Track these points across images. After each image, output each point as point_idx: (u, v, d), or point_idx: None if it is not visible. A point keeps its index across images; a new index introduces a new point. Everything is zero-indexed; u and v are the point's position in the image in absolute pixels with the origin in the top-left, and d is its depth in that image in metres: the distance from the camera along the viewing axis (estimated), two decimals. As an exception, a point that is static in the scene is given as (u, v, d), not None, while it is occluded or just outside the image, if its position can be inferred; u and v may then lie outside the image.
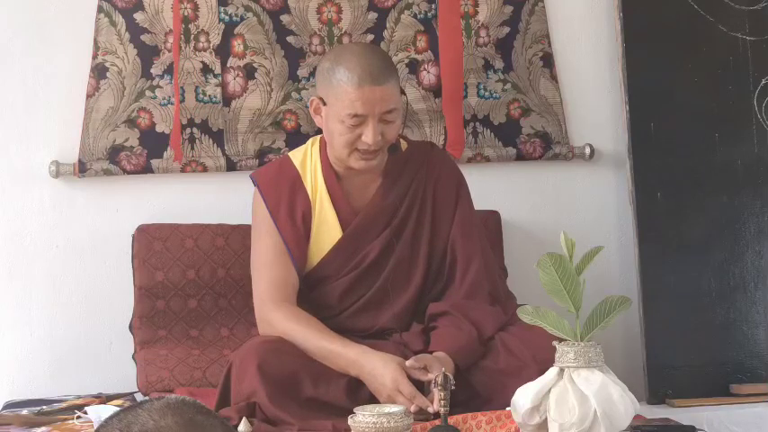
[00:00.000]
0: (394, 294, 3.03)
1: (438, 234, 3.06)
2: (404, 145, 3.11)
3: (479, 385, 2.85)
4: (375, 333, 3.02)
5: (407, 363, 2.79)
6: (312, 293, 3.07)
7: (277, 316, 2.96)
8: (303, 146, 3.14)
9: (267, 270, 3.03)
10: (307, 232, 3.04)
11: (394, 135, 2.98)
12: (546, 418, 2.36)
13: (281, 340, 2.90)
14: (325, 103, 2.97)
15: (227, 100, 3.55)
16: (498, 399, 2.73)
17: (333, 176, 3.05)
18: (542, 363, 2.57)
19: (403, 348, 2.93)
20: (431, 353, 2.87)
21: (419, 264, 3.05)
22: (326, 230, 3.05)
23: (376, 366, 2.80)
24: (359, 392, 2.82)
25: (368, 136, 2.91)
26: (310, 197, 3.05)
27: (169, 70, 3.50)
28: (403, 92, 3.02)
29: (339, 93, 2.91)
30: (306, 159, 3.08)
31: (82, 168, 3.47)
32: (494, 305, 3.01)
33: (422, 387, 2.78)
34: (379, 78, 2.90)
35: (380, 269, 3.03)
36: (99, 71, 3.49)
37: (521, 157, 3.66)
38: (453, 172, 3.14)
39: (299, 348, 2.88)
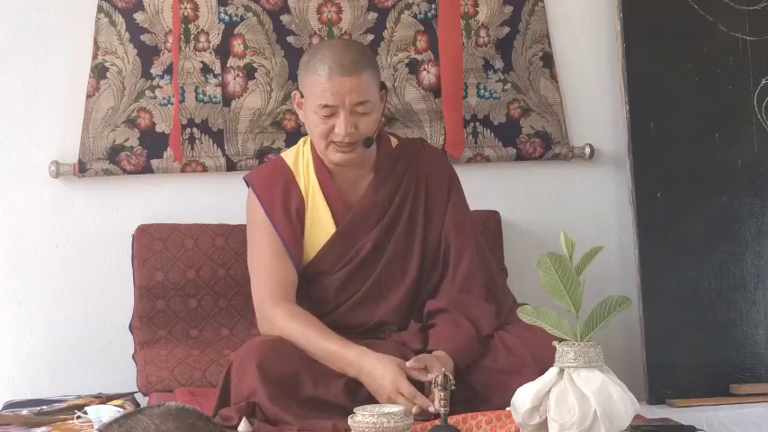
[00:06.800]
0: (389, 288, 3.04)
1: (431, 229, 3.07)
2: (394, 142, 3.13)
3: (479, 384, 2.86)
4: (373, 327, 3.03)
5: (408, 363, 2.79)
6: (309, 288, 3.07)
7: (277, 314, 2.96)
8: (295, 146, 3.15)
9: (266, 268, 3.03)
10: (302, 228, 3.06)
11: (369, 128, 2.98)
12: (546, 418, 2.36)
13: (280, 340, 2.90)
14: (302, 96, 3.01)
15: (227, 100, 3.55)
16: (498, 398, 2.73)
17: (325, 172, 3.06)
18: (542, 362, 2.58)
19: (402, 347, 2.93)
20: (430, 352, 2.88)
21: (413, 258, 3.05)
22: (320, 226, 3.06)
23: (375, 368, 2.79)
24: (358, 392, 2.82)
25: (339, 127, 2.94)
26: (303, 194, 3.06)
27: (169, 70, 3.50)
28: (384, 86, 3.03)
29: (312, 84, 2.95)
30: (298, 158, 3.10)
31: (82, 168, 3.47)
32: (489, 299, 3.02)
33: (421, 387, 2.78)
34: (349, 69, 2.92)
35: (374, 264, 3.04)
36: (99, 71, 3.49)
37: (521, 157, 3.66)
38: (445, 168, 3.15)
39: (298, 348, 2.88)
